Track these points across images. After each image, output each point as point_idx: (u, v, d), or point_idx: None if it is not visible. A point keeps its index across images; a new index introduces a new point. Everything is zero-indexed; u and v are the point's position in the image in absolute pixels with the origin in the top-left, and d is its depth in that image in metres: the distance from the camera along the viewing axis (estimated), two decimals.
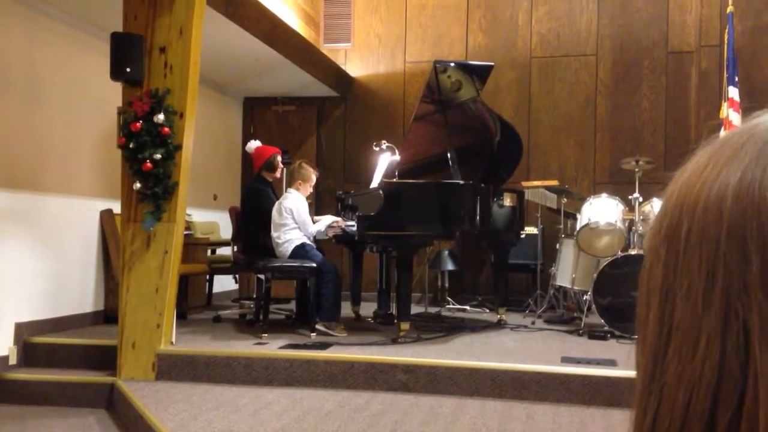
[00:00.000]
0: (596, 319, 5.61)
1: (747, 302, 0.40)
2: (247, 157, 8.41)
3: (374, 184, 6.10)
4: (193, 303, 6.70)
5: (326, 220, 5.86)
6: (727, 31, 6.46)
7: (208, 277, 7.15)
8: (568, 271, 6.14)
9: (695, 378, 0.41)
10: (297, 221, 5.59)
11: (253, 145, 6.24)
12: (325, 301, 5.47)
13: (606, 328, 5.47)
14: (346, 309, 6.35)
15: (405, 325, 5.18)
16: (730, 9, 6.44)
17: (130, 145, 4.67)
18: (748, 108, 6.02)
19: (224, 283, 7.84)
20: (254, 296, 6.59)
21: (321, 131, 8.51)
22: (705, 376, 0.41)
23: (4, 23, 5.07)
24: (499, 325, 6.06)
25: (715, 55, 7.06)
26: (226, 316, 6.47)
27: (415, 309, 6.53)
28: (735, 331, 0.40)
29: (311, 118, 8.52)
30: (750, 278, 0.40)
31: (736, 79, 6.33)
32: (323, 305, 5.47)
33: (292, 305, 6.64)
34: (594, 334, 5.47)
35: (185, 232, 5.50)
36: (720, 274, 0.41)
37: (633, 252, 5.56)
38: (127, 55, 4.69)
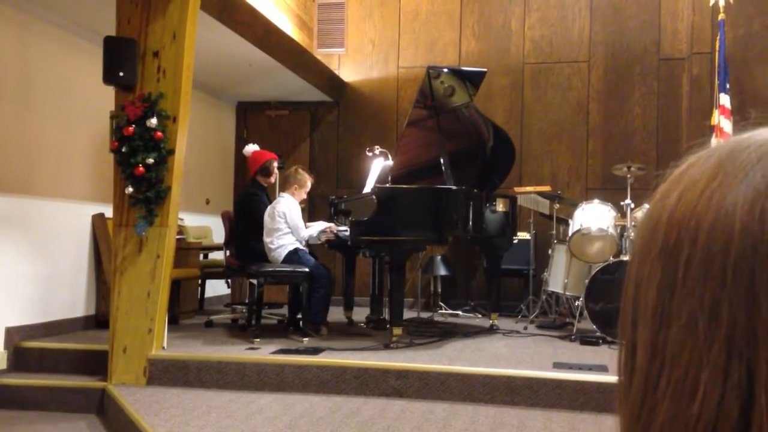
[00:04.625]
0: (588, 324, 5.62)
1: (754, 345, 0.37)
2: (239, 162, 8.43)
3: (367, 189, 6.11)
4: (185, 308, 6.68)
5: (319, 225, 5.86)
6: (718, 38, 6.49)
7: (200, 281, 7.13)
8: (560, 276, 6.16)
9: (692, 420, 0.39)
10: (290, 225, 5.59)
11: (251, 148, 6.23)
12: (316, 305, 5.49)
13: (598, 333, 5.48)
14: (339, 314, 6.36)
15: (397, 331, 5.18)
16: (721, 16, 6.48)
17: (123, 150, 4.65)
18: (741, 120, 6.06)
19: (216, 288, 7.82)
20: (246, 301, 6.57)
21: (314, 136, 8.51)
22: (702, 419, 0.38)
23: None
24: (492, 330, 6.07)
25: (706, 62, 7.09)
26: (218, 321, 6.45)
27: (408, 314, 6.54)
28: (737, 373, 0.38)
29: (304, 122, 8.52)
30: (758, 323, 0.37)
31: (728, 86, 6.36)
32: (312, 309, 5.49)
33: (285, 310, 6.63)
34: (586, 339, 5.48)
35: (177, 237, 5.48)
36: (725, 311, 0.38)
37: (625, 258, 5.58)
38: (120, 59, 4.68)
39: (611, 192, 6.83)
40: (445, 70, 5.77)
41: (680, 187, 0.43)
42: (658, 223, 0.42)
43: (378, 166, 6.25)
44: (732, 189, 0.40)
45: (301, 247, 5.65)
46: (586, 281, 5.58)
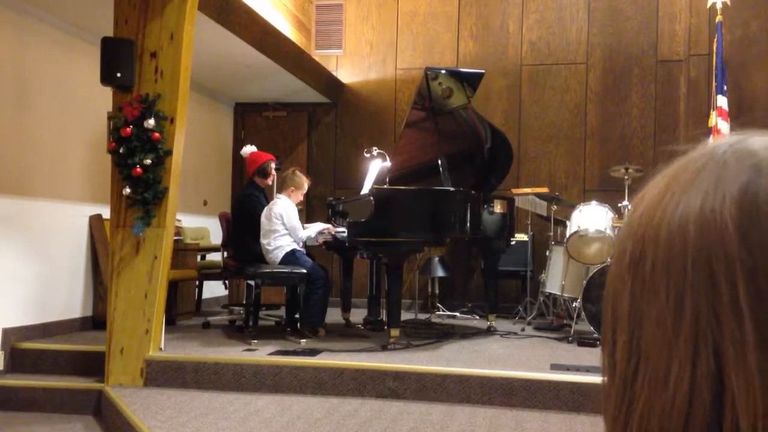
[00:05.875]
0: (585, 326, 5.63)
1: (718, 329, 0.41)
2: (237, 163, 8.43)
3: (365, 190, 6.11)
4: (182, 309, 6.67)
5: (316, 226, 5.86)
6: (715, 40, 6.50)
7: (197, 282, 7.12)
8: (557, 278, 6.16)
9: (667, 407, 0.42)
10: (287, 226, 5.59)
11: (248, 149, 6.22)
12: (313, 306, 5.49)
13: (595, 335, 5.48)
14: (336, 315, 6.35)
15: (395, 332, 5.17)
16: (718, 18, 6.49)
17: (120, 150, 4.65)
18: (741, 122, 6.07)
19: (213, 289, 7.81)
20: (244, 302, 6.57)
21: (312, 137, 8.51)
22: (677, 405, 0.41)
23: None
24: (489, 332, 6.07)
25: (704, 64, 7.10)
26: (215, 322, 6.45)
27: (406, 315, 6.54)
28: (705, 358, 0.41)
29: (302, 124, 8.52)
30: (720, 307, 0.41)
31: (725, 87, 6.37)
32: (310, 310, 5.49)
33: (282, 311, 6.62)
34: (583, 341, 5.49)
35: (175, 238, 5.48)
36: (688, 301, 0.42)
37: None
38: (118, 60, 4.67)
39: (609, 194, 6.84)
40: (443, 71, 5.78)
41: (641, 207, 0.47)
42: (626, 241, 0.47)
43: (376, 167, 6.24)
44: (684, 196, 0.44)
45: (299, 249, 5.65)
46: (584, 283, 5.58)
